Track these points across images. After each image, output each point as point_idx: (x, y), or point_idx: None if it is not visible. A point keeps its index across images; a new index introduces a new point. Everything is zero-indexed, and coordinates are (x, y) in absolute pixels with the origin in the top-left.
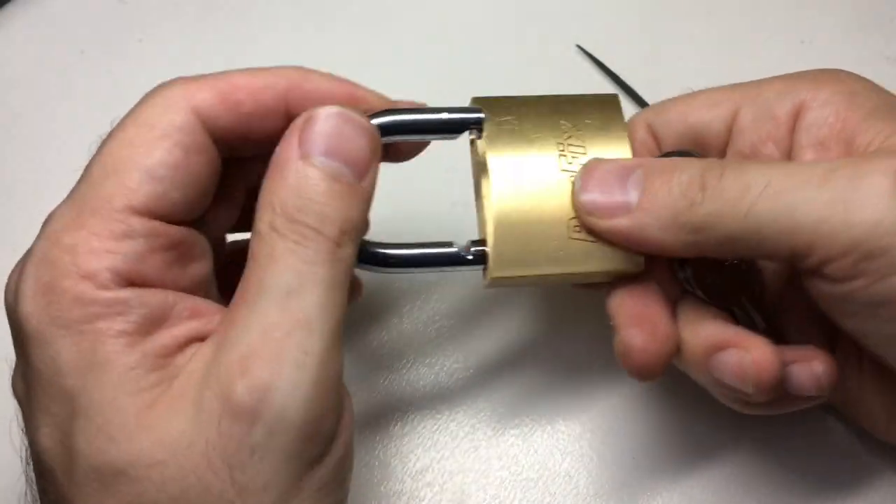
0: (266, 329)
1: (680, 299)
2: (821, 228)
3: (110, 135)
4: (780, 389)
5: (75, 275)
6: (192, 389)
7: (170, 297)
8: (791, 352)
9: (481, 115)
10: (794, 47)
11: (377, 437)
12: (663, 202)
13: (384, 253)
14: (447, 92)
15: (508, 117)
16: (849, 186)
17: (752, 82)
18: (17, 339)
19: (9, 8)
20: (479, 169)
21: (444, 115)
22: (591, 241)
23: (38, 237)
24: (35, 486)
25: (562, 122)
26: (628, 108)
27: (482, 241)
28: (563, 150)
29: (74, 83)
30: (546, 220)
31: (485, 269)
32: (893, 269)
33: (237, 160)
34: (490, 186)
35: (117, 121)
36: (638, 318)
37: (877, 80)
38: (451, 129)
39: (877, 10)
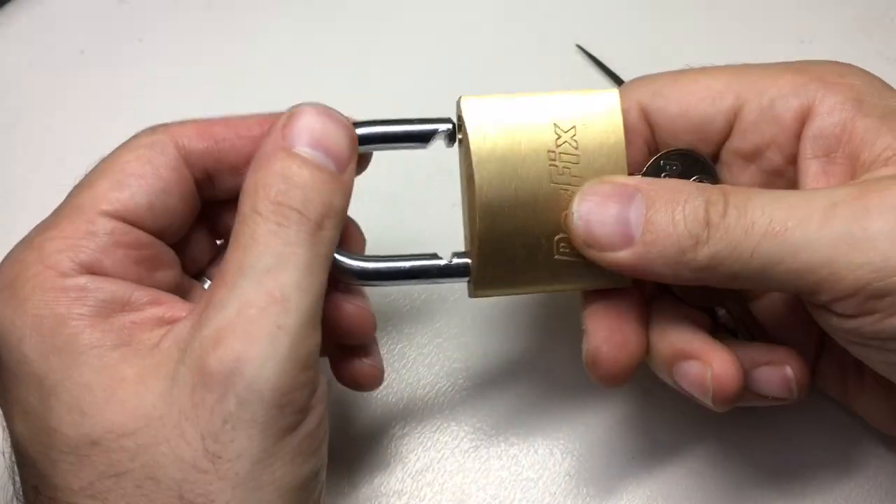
0: (242, 306)
1: (656, 297)
2: (825, 270)
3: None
4: (739, 400)
5: (39, 266)
6: (166, 366)
7: (129, 287)
8: (765, 353)
9: (448, 126)
10: (794, 47)
11: (377, 438)
12: (668, 240)
13: (363, 267)
14: (446, 91)
15: (498, 121)
16: (852, 224)
17: (754, 69)
18: None
19: (9, 8)
20: (466, 180)
21: (411, 127)
22: (577, 259)
23: (20, 242)
24: (18, 483)
25: (556, 124)
26: None
27: (466, 253)
28: (554, 160)
29: (74, 83)
30: (531, 237)
31: (469, 282)
32: None
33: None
34: (475, 201)
35: (115, 120)
36: (608, 328)
37: None
38: (418, 138)
39: (877, 10)
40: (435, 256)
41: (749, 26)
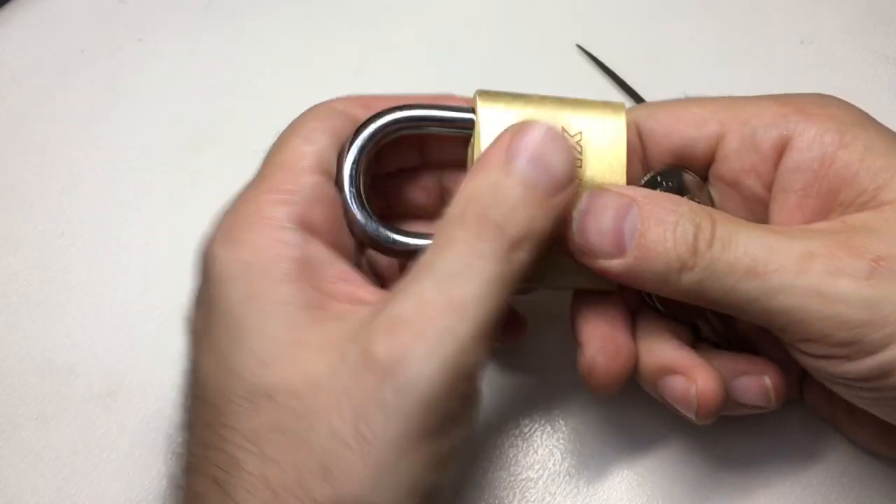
0: (420, 304)
1: (639, 310)
2: (795, 315)
3: None
4: (721, 413)
5: (256, 216)
6: (340, 341)
7: (325, 253)
8: (743, 363)
9: (469, 116)
10: (794, 47)
11: None
12: (657, 258)
13: (396, 239)
14: (447, 91)
15: (509, 118)
16: (824, 280)
17: (741, 101)
18: (204, 277)
19: (9, 8)
20: (469, 170)
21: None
22: (567, 260)
23: (234, 197)
24: (187, 412)
25: (563, 128)
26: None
27: None
28: None
29: (74, 83)
30: None
31: None
32: (863, 353)
33: None
34: None
35: (115, 120)
36: (601, 339)
37: (877, 80)
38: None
39: (877, 10)
40: None
41: (749, 26)
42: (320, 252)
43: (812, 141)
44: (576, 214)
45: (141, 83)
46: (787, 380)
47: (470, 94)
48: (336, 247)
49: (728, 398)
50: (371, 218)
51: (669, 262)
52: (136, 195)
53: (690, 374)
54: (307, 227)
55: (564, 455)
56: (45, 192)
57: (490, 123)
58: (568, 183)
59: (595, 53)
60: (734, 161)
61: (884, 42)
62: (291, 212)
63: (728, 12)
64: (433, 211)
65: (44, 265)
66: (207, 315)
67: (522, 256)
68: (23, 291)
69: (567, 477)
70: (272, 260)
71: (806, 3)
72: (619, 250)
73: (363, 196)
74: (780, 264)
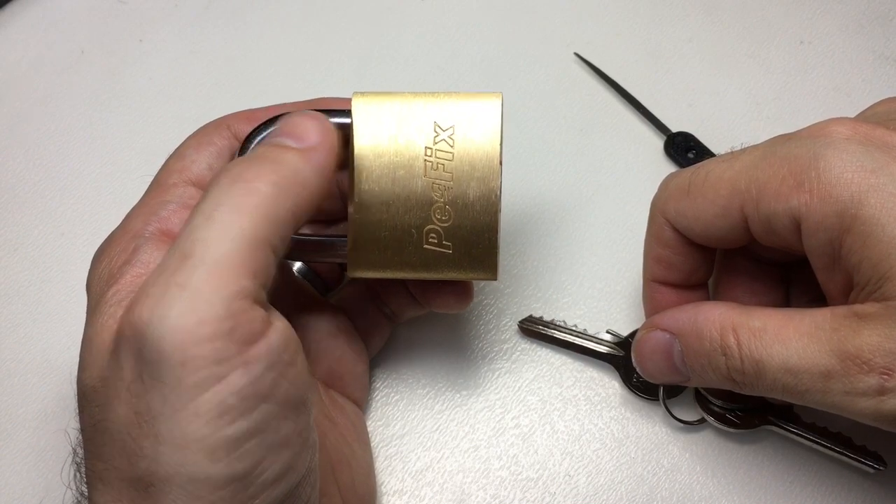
0: (154, 271)
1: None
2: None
3: None
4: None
5: (120, 230)
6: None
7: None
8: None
9: (348, 120)
10: (794, 47)
11: (377, 437)
12: (708, 379)
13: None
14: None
15: (383, 117)
16: (844, 399)
17: (749, 170)
18: None
19: (9, 8)
20: (350, 170)
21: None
22: (444, 251)
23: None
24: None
25: (436, 122)
26: (627, 114)
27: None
28: (429, 156)
29: (74, 83)
30: (403, 228)
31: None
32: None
33: None
34: (353, 190)
35: (115, 120)
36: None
37: (877, 80)
38: None
39: (877, 10)
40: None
41: (749, 27)
42: (155, 257)
43: (817, 227)
44: (634, 362)
45: (141, 83)
46: None
47: (364, 91)
48: None
49: None
50: None
51: (720, 383)
52: (135, 195)
53: None
54: (165, 233)
55: (564, 455)
56: (45, 192)
57: (364, 122)
58: (317, 144)
59: (595, 57)
60: (769, 242)
61: (884, 42)
62: (149, 222)
63: (728, 13)
64: (325, 209)
65: (44, 265)
66: None
67: (253, 186)
68: (23, 291)
69: (567, 477)
70: (118, 268)
71: (806, 3)
72: (683, 378)
73: None
74: (807, 387)
